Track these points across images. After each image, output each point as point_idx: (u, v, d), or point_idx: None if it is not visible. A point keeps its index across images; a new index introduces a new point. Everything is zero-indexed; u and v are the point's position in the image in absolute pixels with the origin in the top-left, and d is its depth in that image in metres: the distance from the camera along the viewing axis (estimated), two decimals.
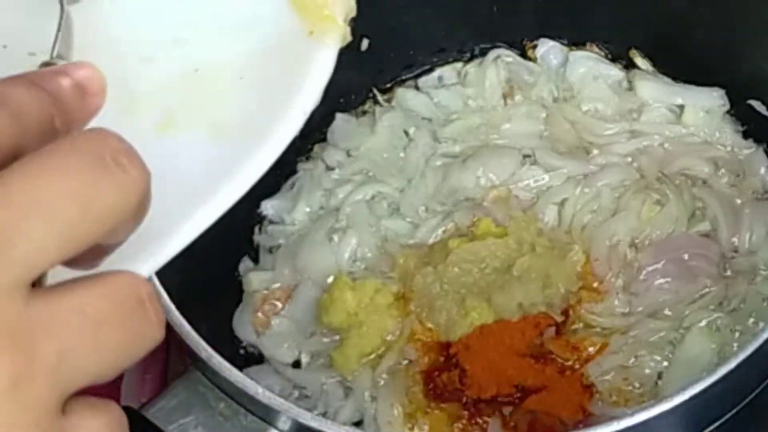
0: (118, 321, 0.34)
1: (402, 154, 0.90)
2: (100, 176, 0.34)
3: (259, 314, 0.83)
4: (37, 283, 0.34)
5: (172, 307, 0.67)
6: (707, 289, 0.79)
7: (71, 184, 0.33)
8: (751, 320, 0.78)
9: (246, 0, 0.56)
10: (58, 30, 0.50)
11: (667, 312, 0.79)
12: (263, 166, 0.48)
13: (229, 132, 0.51)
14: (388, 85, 0.95)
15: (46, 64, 0.46)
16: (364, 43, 0.90)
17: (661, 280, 0.80)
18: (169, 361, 0.86)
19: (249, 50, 0.54)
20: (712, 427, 0.66)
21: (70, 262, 0.35)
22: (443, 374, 0.78)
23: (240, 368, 0.66)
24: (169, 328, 0.65)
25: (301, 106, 0.51)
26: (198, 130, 0.51)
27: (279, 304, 0.83)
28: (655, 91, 0.90)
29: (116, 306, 0.34)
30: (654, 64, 0.93)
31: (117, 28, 0.55)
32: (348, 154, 0.92)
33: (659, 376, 0.76)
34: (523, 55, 0.95)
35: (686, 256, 0.80)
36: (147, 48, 0.54)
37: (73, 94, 0.38)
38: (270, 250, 0.88)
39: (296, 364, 0.82)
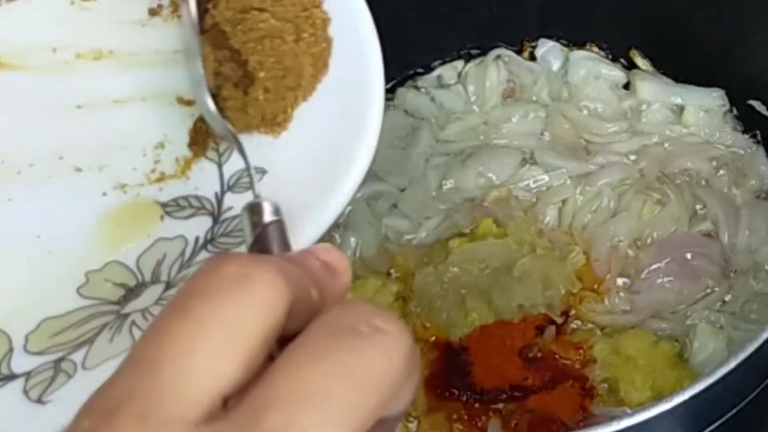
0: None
1: (402, 154, 0.90)
2: (360, 347, 0.33)
3: None
4: None
5: None
6: (710, 289, 0.79)
7: (337, 367, 0.33)
8: (754, 319, 0.78)
9: None
10: (248, 168, 0.51)
11: (670, 312, 0.79)
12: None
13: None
14: (388, 85, 0.95)
15: (251, 206, 0.45)
16: None
17: (664, 279, 0.80)
18: None
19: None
20: (712, 427, 0.66)
21: None
22: (444, 373, 0.78)
23: None
24: None
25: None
26: None
27: None
28: (655, 91, 0.90)
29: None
30: (654, 64, 0.93)
31: None
32: None
33: None
34: (523, 54, 0.95)
35: (689, 256, 0.80)
36: None
37: (323, 273, 0.39)
38: None
39: None
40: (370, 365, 0.33)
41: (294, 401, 0.32)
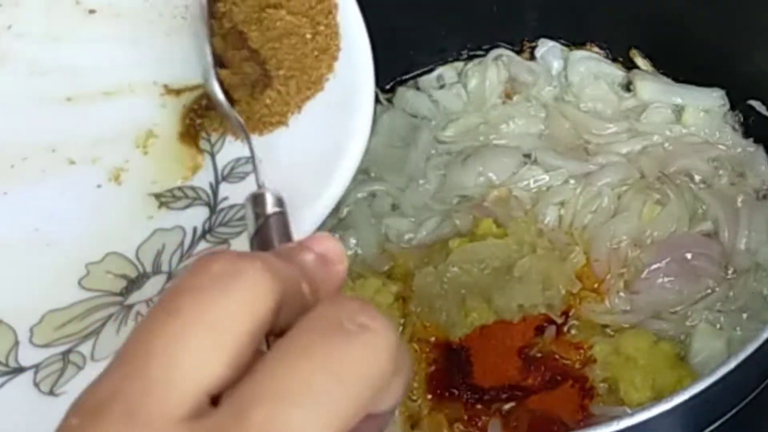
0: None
1: (402, 154, 0.90)
2: (345, 345, 0.34)
3: None
4: None
5: None
6: (710, 289, 0.79)
7: (322, 364, 0.33)
8: (752, 319, 0.78)
9: None
10: (253, 160, 0.51)
11: (670, 312, 0.79)
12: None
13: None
14: (388, 85, 0.95)
15: (254, 197, 0.46)
16: None
17: (664, 279, 0.80)
18: None
19: None
20: (712, 427, 0.66)
21: None
22: (444, 373, 0.78)
23: None
24: None
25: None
26: None
27: None
28: (655, 91, 0.90)
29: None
30: (654, 64, 0.93)
31: None
32: None
33: None
34: (523, 54, 0.95)
35: (689, 256, 0.80)
36: None
37: (317, 267, 0.39)
38: None
39: None
40: (355, 362, 0.34)
41: (279, 397, 0.32)
